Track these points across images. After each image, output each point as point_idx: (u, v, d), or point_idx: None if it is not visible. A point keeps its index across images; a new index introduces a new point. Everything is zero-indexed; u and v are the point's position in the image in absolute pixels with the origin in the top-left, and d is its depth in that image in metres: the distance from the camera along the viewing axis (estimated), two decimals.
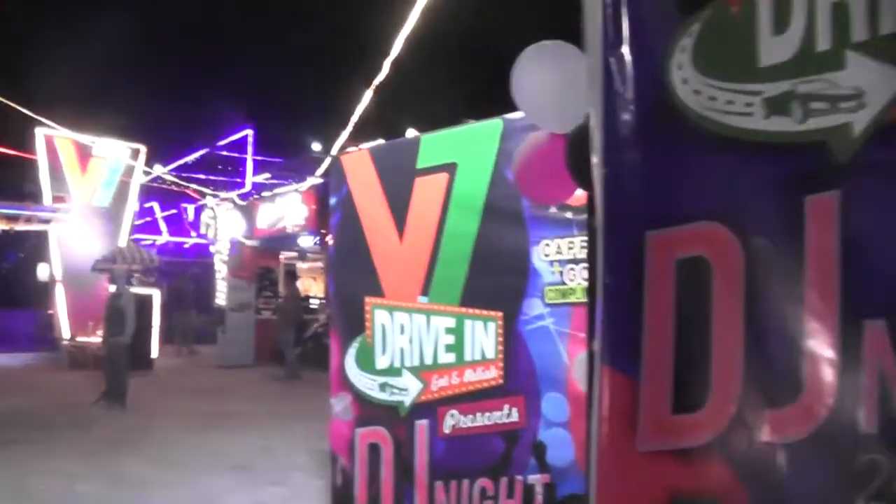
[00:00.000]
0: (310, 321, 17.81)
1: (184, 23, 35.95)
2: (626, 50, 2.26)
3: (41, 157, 19.02)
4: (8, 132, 20.81)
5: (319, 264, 22.52)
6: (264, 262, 20.84)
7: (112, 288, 12.67)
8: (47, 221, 19.09)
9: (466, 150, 4.75)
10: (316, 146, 26.56)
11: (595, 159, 2.38)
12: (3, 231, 20.36)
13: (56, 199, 19.03)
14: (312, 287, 21.42)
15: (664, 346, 2.17)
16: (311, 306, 18.84)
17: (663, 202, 2.20)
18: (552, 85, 3.01)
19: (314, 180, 19.59)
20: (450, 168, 4.78)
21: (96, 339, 17.25)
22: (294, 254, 21.69)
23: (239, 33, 42.16)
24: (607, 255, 2.32)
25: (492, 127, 4.60)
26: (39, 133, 18.87)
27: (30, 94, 14.29)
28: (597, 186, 2.38)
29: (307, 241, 19.85)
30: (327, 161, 18.17)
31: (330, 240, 5.67)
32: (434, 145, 4.97)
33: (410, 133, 14.67)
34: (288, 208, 20.43)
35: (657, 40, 2.21)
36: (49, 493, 6.86)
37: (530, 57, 3.11)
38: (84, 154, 19.44)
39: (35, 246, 30.77)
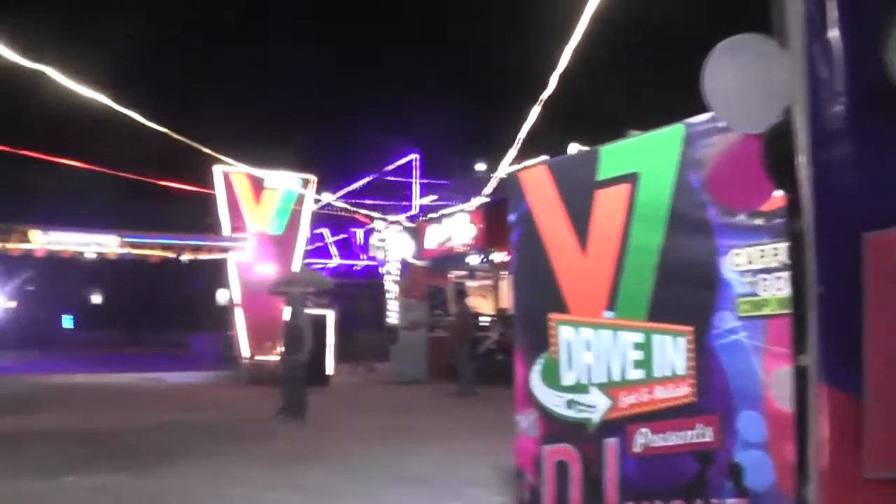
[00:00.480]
0: (481, 338, 17.93)
1: (343, 52, 37.42)
2: (833, 34, 2.09)
3: (219, 192, 20.29)
4: (188, 171, 22.33)
5: (488, 282, 22.65)
6: (434, 282, 21.20)
7: (289, 310, 13.22)
8: (226, 250, 20.31)
9: (647, 159, 4.61)
10: (480, 166, 26.86)
11: (800, 158, 2.22)
12: (189, 260, 21.73)
13: (234, 229, 20.21)
14: (481, 305, 21.55)
15: (891, 359, 1.98)
16: (482, 323, 18.97)
17: (883, 199, 2.02)
18: (747, 81, 2.86)
19: (480, 200, 19.76)
20: (631, 178, 4.66)
21: (274, 357, 18.11)
22: (463, 272, 21.95)
23: (400, 60, 43.36)
24: (819, 261, 2.15)
25: (673, 133, 4.44)
26: (217, 170, 20.11)
27: (206, 134, 15.19)
28: (803, 187, 2.23)
29: (475, 260, 20.03)
30: (493, 180, 18.28)
31: (510, 256, 5.64)
32: (614, 156, 4.86)
33: (573, 148, 14.54)
34: (455, 228, 20.71)
35: (874, 16, 2.03)
36: (243, 500, 7.18)
37: (723, 52, 2.96)
38: (258, 187, 20.55)
39: (215, 274, 32.79)
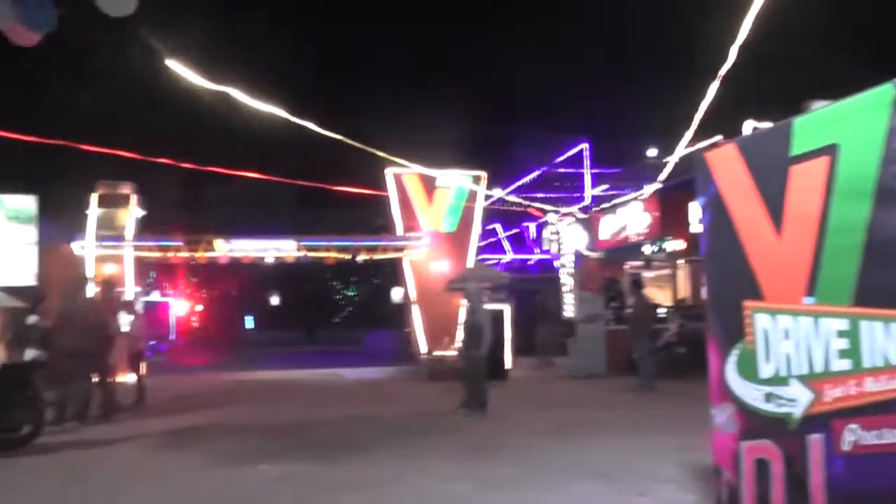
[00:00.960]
0: (660, 330, 17.36)
1: (506, 44, 37.32)
2: None
3: (392, 193, 20.79)
4: (359, 176, 23.02)
5: (665, 272, 21.96)
6: (609, 273, 20.77)
7: (467, 305, 13.29)
8: (401, 249, 20.75)
9: (849, 128, 4.19)
10: (652, 152, 26.07)
11: None
12: (364, 261, 22.41)
13: (407, 229, 20.64)
14: (658, 295, 20.89)
15: None
16: (660, 315, 18.35)
17: None
18: None
19: (654, 186, 19.16)
20: (830, 150, 4.25)
21: (452, 353, 18.33)
22: (639, 263, 21.38)
23: (565, 44, 42.77)
24: None
25: (879, 96, 4.00)
26: (389, 172, 20.60)
27: (377, 137, 15.62)
28: None
29: (651, 249, 19.44)
30: (668, 165, 17.65)
31: (701, 241, 5.32)
32: (809, 127, 4.47)
33: (749, 127, 13.72)
34: (630, 217, 20.18)
35: None
36: (428, 491, 7.26)
37: None
38: (429, 186, 20.88)
39: (388, 273, 33.67)
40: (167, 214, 27.37)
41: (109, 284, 14.24)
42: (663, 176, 18.41)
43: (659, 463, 8.14)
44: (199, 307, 39.74)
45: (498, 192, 25.15)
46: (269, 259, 21.00)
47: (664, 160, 20.48)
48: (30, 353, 13.10)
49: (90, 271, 19.47)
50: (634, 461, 8.36)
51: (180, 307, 32.40)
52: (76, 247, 19.90)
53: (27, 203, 19.78)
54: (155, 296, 30.11)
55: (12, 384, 10.24)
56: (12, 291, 17.39)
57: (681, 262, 20.87)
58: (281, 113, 12.84)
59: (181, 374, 22.24)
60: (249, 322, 49.55)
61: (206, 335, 37.90)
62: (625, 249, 20.55)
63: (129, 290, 19.31)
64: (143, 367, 15.01)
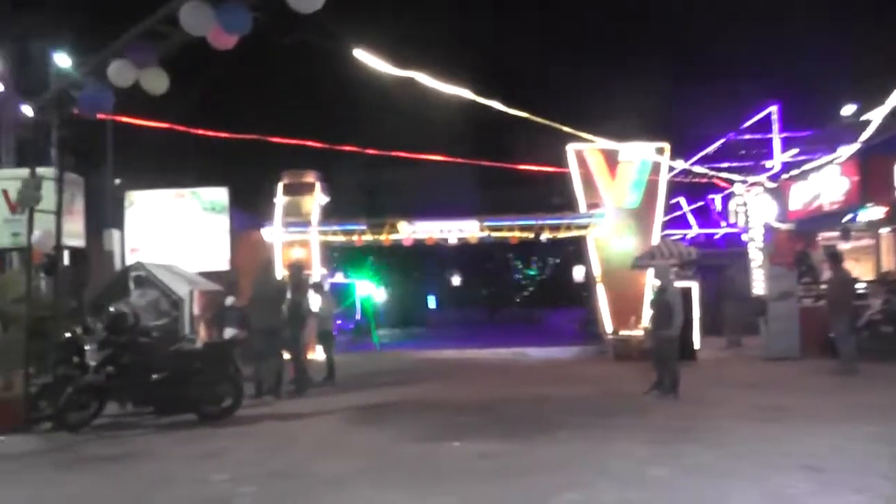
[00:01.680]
0: (861, 307, 16.19)
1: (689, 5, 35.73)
2: None
3: (574, 169, 20.56)
4: (539, 153, 22.95)
5: (865, 242, 20.42)
6: (801, 246, 19.69)
7: (656, 283, 13.00)
8: (584, 227, 20.53)
9: None
10: (848, 110, 24.25)
11: None
12: (547, 240, 22.38)
13: (590, 206, 20.39)
14: (857, 269, 19.55)
15: None
16: (860, 291, 17.03)
17: None
18: None
19: (853, 148, 17.88)
20: None
21: (638, 332, 18.02)
22: (835, 233, 20.04)
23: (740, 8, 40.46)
24: None
25: None
26: (570, 148, 20.41)
27: (557, 113, 15.50)
28: None
29: (849, 218, 18.18)
30: (871, 123, 16.42)
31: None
32: None
33: None
34: (824, 184, 19.05)
35: None
36: (624, 474, 7.21)
37: None
38: (611, 161, 20.53)
39: (570, 251, 33.39)
40: (350, 200, 28.58)
41: (298, 267, 15.01)
42: (865, 136, 17.16)
43: (868, 455, 7.67)
44: (383, 288, 41.15)
45: (681, 164, 24.33)
46: (452, 240, 21.43)
47: (863, 118, 19.11)
48: (228, 332, 14.21)
49: (278, 256, 20.70)
50: (838, 452, 7.91)
51: (365, 288, 33.68)
52: (265, 233, 21.29)
53: (220, 195, 21.45)
54: (340, 277, 31.50)
55: (214, 361, 11.16)
56: (209, 276, 18.89)
57: (884, 230, 19.29)
58: (465, 93, 13.03)
59: (368, 353, 23.24)
60: (431, 302, 50.89)
61: (391, 315, 39.29)
62: (819, 219, 19.42)
63: (316, 272, 20.34)
64: (332, 345, 15.79)
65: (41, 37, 19.04)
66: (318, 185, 21.98)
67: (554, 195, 26.76)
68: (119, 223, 21.38)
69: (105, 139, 22.33)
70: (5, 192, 15.55)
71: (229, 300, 14.71)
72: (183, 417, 10.71)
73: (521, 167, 22.85)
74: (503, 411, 11.17)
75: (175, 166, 24.76)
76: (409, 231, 21.05)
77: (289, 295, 13.80)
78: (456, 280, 51.77)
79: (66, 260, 16.30)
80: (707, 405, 11.26)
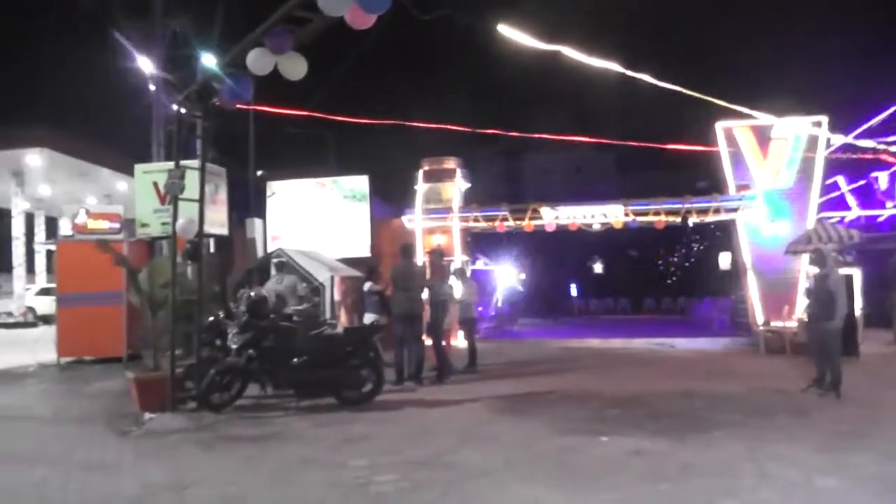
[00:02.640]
0: None
1: None
2: None
3: (723, 148, 19.51)
4: (684, 134, 22.02)
5: None
6: None
7: (812, 269, 12.10)
8: (734, 210, 19.52)
9: None
10: None
11: None
12: (693, 224, 21.47)
13: (739, 187, 19.34)
14: None
15: None
16: None
17: None
18: None
19: None
20: None
21: (792, 324, 16.98)
22: None
23: None
24: None
25: None
26: (718, 126, 19.40)
27: (706, 87, 14.65)
28: None
29: None
30: None
31: None
32: None
33: None
34: None
35: None
36: (788, 483, 6.68)
37: None
38: (763, 138, 19.37)
39: (715, 237, 31.94)
40: (490, 186, 28.49)
41: (438, 253, 14.96)
42: None
43: None
44: (524, 275, 40.78)
45: (841, 139, 22.76)
46: (596, 225, 20.89)
47: None
48: (369, 318, 14.27)
49: (419, 242, 20.78)
50: None
51: (507, 275, 33.44)
52: (405, 220, 21.38)
53: (361, 182, 21.85)
54: (481, 264, 31.44)
55: (355, 346, 11.17)
56: (350, 263, 19.22)
57: None
58: (614, 67, 12.53)
59: (509, 340, 23.06)
60: (573, 290, 50.20)
61: (532, 303, 38.82)
62: None
63: (458, 258, 20.29)
64: (473, 332, 15.65)
65: (188, 38, 19.89)
66: (458, 172, 21.95)
67: (699, 179, 25.65)
68: (261, 212, 22.15)
69: (247, 131, 23.20)
70: (155, 185, 16.36)
71: (367, 286, 14.85)
72: (323, 401, 10.85)
73: (668, 147, 21.94)
74: (651, 406, 10.67)
75: (314, 157, 25.43)
76: (552, 216, 20.66)
77: (429, 280, 13.78)
78: (598, 267, 50.95)
79: (210, 247, 17.10)
80: (876, 407, 10.36)
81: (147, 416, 10.09)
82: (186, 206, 11.20)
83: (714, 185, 20.45)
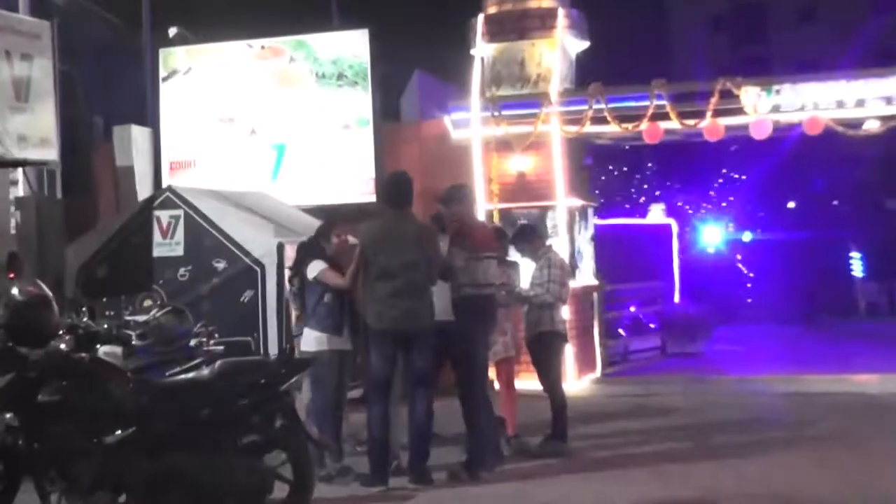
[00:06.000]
0: None
1: None
2: None
3: None
4: None
5: None
6: None
7: None
8: None
9: None
10: None
11: None
12: None
13: None
14: None
15: None
16: None
17: None
18: None
19: None
20: None
21: None
22: None
23: None
24: None
25: None
26: None
27: None
28: None
29: None
30: None
31: None
32: None
33: None
34: None
35: None
36: None
37: None
38: None
39: None
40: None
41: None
42: None
43: None
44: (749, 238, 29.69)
45: None
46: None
47: None
48: (308, 341, 8.76)
49: (478, 174, 13.31)
50: None
51: (704, 239, 21.54)
52: (449, 122, 14.03)
53: (353, 45, 12.95)
54: (657, 215, 19.11)
55: (254, 403, 5.90)
56: (331, 215, 12.37)
57: None
58: None
59: (685, 374, 12.04)
60: (857, 267, 38.27)
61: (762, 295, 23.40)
62: None
63: (560, 209, 12.06)
64: (559, 366, 8.08)
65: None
66: (561, 14, 12.18)
67: None
68: (152, 116, 13.93)
69: None
70: None
71: (313, 268, 7.95)
72: None
73: None
74: None
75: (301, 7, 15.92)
76: (766, 106, 11.10)
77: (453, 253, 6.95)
78: None
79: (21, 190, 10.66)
80: None
81: None
82: None
83: None
